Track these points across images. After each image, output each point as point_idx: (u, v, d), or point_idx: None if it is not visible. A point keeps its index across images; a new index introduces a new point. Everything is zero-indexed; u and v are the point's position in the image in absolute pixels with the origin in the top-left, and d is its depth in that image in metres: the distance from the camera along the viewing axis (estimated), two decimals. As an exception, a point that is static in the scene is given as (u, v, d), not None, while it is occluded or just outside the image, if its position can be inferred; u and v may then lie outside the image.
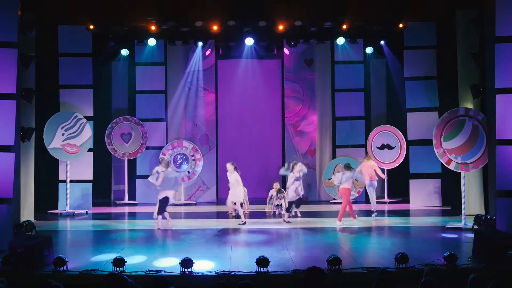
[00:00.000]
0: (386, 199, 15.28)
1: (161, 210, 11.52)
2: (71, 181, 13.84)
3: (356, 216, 12.30)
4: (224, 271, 7.70)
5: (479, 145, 11.11)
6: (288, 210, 12.40)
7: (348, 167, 12.20)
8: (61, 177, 14.00)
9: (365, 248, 9.66)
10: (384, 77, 16.59)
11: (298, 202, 12.50)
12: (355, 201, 15.04)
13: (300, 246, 9.90)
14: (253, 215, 12.99)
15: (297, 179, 12.21)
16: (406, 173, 14.89)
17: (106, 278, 5.62)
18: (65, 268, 7.77)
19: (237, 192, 12.06)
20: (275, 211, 13.17)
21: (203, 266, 8.00)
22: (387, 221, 12.42)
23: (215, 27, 14.20)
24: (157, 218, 11.61)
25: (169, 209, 11.86)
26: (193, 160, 15.55)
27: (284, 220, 12.20)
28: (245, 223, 11.79)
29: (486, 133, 10.94)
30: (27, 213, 12.07)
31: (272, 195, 13.40)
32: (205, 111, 16.30)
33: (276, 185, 13.23)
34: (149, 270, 7.75)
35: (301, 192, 12.34)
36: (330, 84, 16.22)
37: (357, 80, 16.04)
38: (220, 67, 16.50)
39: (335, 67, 16.10)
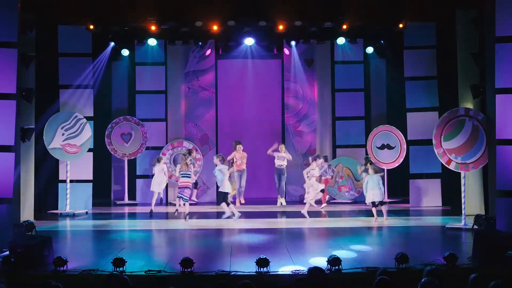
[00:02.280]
0: (386, 199, 15.27)
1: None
2: (71, 181, 13.84)
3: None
4: (224, 271, 7.69)
5: (479, 145, 11.10)
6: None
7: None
8: (61, 177, 14.00)
9: (365, 248, 9.66)
10: (384, 77, 16.57)
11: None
12: (356, 201, 15.09)
13: (300, 246, 9.90)
14: (253, 215, 13.01)
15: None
16: (406, 173, 14.89)
17: (107, 279, 5.63)
18: (65, 268, 7.76)
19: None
20: None
21: (203, 266, 7.99)
22: (387, 221, 12.42)
23: (215, 27, 14.20)
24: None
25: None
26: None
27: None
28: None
29: (486, 133, 10.94)
30: (27, 213, 12.07)
31: None
32: (205, 111, 16.30)
33: None
34: (149, 270, 7.74)
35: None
36: (330, 84, 16.22)
37: (357, 80, 16.03)
38: (220, 67, 16.50)
39: (335, 67, 16.09)
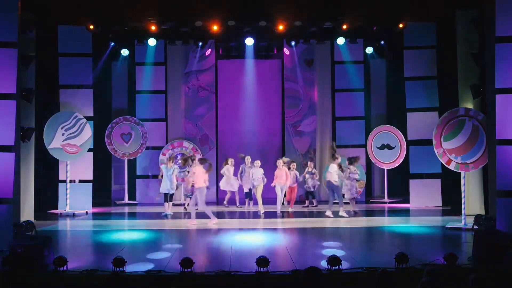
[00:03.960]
0: (386, 199, 15.29)
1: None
2: (71, 181, 13.84)
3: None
4: (224, 271, 7.69)
5: (479, 145, 11.10)
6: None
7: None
8: (61, 177, 14.01)
9: (365, 248, 9.66)
10: (384, 77, 16.59)
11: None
12: (356, 202, 15.05)
13: (300, 246, 9.89)
14: (253, 215, 12.99)
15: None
16: (406, 173, 14.89)
17: (108, 278, 5.63)
18: (65, 268, 7.76)
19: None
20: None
21: (203, 266, 7.99)
22: (387, 221, 12.43)
23: (215, 27, 14.21)
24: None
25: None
26: (193, 160, 15.51)
27: None
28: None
29: (486, 133, 10.94)
30: (27, 213, 12.08)
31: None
32: (205, 111, 16.31)
33: None
34: (149, 270, 7.75)
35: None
36: (330, 84, 16.23)
37: (357, 80, 16.04)
38: (220, 67, 16.50)
39: (335, 67, 16.11)
